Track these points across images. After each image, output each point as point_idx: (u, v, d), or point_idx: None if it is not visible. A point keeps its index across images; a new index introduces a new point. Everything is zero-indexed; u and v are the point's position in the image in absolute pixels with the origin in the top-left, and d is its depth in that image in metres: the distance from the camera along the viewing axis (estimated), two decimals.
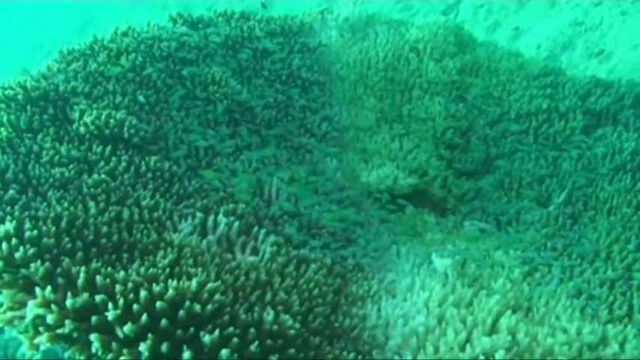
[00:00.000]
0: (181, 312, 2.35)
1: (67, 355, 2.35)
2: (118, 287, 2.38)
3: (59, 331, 2.30)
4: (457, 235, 4.09)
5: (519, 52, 5.99)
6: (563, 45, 7.35)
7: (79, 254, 2.59)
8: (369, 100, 5.05)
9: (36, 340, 2.32)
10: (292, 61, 5.03)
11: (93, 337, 2.25)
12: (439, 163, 4.64)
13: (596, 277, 3.54)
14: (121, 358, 2.25)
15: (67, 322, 2.28)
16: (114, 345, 2.27)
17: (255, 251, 3.22)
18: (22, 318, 2.39)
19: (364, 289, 3.07)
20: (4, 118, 3.55)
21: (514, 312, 3.10)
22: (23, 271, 2.43)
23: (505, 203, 4.47)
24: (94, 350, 2.27)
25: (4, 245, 2.45)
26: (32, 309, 2.32)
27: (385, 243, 3.82)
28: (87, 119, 3.52)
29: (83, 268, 2.47)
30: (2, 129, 3.44)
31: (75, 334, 2.29)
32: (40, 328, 2.34)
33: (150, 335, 2.27)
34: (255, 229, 3.30)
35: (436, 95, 5.13)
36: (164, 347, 2.27)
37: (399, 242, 3.86)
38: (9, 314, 2.39)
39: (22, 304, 2.43)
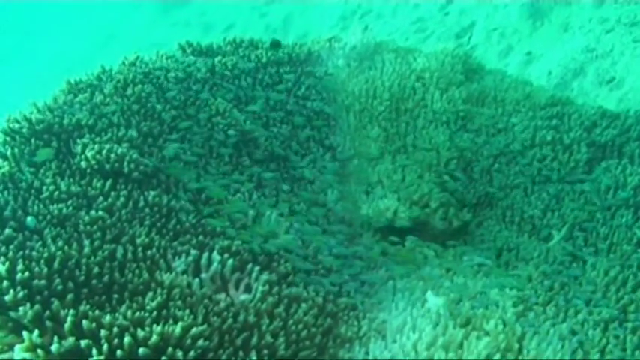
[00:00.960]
0: (163, 358, 2.39)
1: None
2: (103, 332, 2.42)
3: None
4: (456, 269, 4.09)
5: (528, 80, 5.98)
6: (574, 71, 7.33)
7: (70, 296, 2.65)
8: (374, 130, 5.08)
9: None
10: (298, 91, 5.08)
11: None
12: (441, 195, 4.63)
13: (590, 319, 3.52)
14: None
15: None
16: None
17: (248, 288, 3.26)
18: None
19: (353, 330, 3.10)
20: (8, 152, 3.63)
21: (504, 354, 3.10)
22: (12, 314, 2.49)
23: (506, 237, 4.46)
24: None
25: None
26: (19, 352, 2.37)
27: (382, 278, 3.84)
28: (88, 154, 3.59)
29: (71, 312, 2.52)
30: (6, 163, 3.52)
31: None
32: None
33: None
34: (250, 265, 3.34)
35: (441, 125, 5.15)
36: None
37: (396, 277, 3.87)
38: None
39: (11, 347, 2.49)
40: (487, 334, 3.24)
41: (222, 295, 3.08)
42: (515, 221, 4.58)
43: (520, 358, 3.15)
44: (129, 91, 4.30)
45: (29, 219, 3.12)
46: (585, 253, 4.17)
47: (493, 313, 3.44)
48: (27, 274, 2.63)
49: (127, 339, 2.40)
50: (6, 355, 2.47)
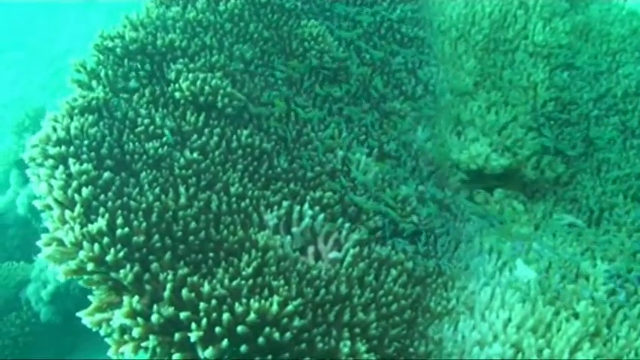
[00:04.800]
0: (261, 339, 2.40)
1: None
2: (202, 305, 2.43)
3: (143, 344, 2.39)
4: (545, 228, 3.98)
5: (636, 11, 5.50)
6: None
7: (168, 255, 2.64)
8: (469, 62, 4.82)
9: (121, 349, 2.42)
10: (392, 14, 4.79)
11: (175, 357, 2.34)
12: (535, 142, 4.44)
13: None
14: None
15: (151, 337, 2.36)
16: None
17: (337, 244, 3.23)
18: (109, 320, 2.48)
19: (442, 304, 3.05)
20: (102, 73, 3.55)
21: (592, 340, 3.05)
22: (113, 274, 2.50)
23: (599, 194, 4.28)
24: None
25: (96, 246, 2.51)
26: (119, 317, 2.40)
27: (469, 234, 3.76)
28: (183, 84, 3.49)
29: (170, 277, 2.52)
30: (100, 88, 3.45)
31: (158, 349, 2.38)
32: (126, 337, 2.43)
33: None
34: (340, 220, 3.29)
35: (541, 61, 4.84)
36: None
37: (484, 233, 3.79)
38: (97, 316, 2.48)
39: (110, 305, 2.52)
40: (576, 315, 3.17)
41: (312, 259, 3.05)
42: (611, 178, 4.37)
43: (608, 345, 3.09)
44: (221, 6, 4.10)
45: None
46: None
47: (584, 291, 3.35)
48: (126, 229, 2.62)
49: (225, 316, 2.40)
50: (105, 314, 2.50)
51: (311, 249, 3.18)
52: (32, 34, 17.23)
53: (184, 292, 2.48)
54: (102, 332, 2.52)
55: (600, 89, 4.82)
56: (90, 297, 2.56)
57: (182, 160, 3.16)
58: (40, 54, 16.11)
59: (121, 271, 2.49)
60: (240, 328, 2.40)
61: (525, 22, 5.02)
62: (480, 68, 4.82)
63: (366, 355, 2.53)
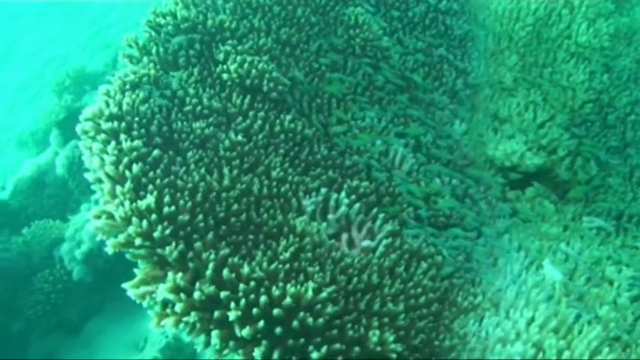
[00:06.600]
0: (295, 322, 2.52)
1: (188, 337, 2.59)
2: (241, 286, 2.55)
3: (185, 318, 2.52)
4: (574, 230, 4.04)
5: None
6: None
7: (210, 235, 2.76)
8: (511, 57, 4.85)
9: (163, 322, 2.55)
10: (439, 4, 4.82)
11: (214, 333, 2.47)
12: (570, 142, 4.47)
13: None
14: (236, 356, 2.47)
15: (192, 313, 2.50)
16: (231, 343, 2.48)
17: (370, 233, 3.33)
18: (152, 293, 2.62)
19: (469, 300, 3.15)
20: (153, 50, 3.66)
21: (612, 345, 3.13)
22: (159, 250, 2.63)
23: (630, 200, 4.33)
24: (212, 342, 2.50)
25: (144, 222, 2.64)
26: (162, 292, 2.53)
27: (499, 230, 3.84)
28: (230, 66, 3.59)
29: (212, 257, 2.65)
30: (151, 65, 3.56)
31: (198, 325, 2.52)
32: (168, 310, 2.57)
33: (264, 342, 2.47)
34: (375, 211, 3.39)
35: (582, 62, 4.85)
36: (275, 355, 2.47)
37: (513, 230, 3.87)
38: (142, 289, 2.62)
39: (154, 279, 2.66)
40: (598, 319, 3.25)
41: (346, 247, 3.16)
42: None
43: (627, 351, 3.17)
44: None
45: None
46: None
47: (607, 295, 3.43)
48: (173, 208, 2.75)
49: (262, 298, 2.52)
50: (150, 287, 2.64)
51: (344, 236, 3.29)
52: None
53: (225, 272, 2.60)
54: (144, 304, 2.65)
55: (639, 94, 4.83)
56: (135, 270, 2.70)
57: (227, 142, 3.28)
58: (81, 13, 16.27)
59: (167, 248, 2.62)
60: (276, 311, 2.53)
61: (570, 21, 5.03)
62: (522, 65, 4.85)
63: (393, 345, 2.65)
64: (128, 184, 2.78)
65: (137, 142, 2.98)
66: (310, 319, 2.55)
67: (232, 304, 2.51)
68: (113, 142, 2.96)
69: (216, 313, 2.51)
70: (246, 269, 2.65)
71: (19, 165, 9.34)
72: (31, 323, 7.31)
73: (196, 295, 2.52)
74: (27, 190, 8.41)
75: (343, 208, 3.27)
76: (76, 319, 7.34)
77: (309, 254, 2.89)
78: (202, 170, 3.07)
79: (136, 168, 2.84)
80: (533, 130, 4.50)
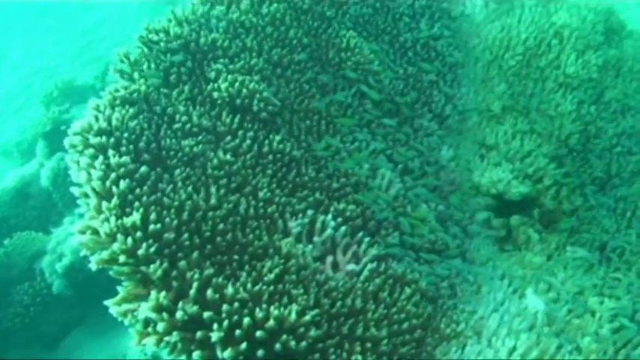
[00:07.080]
0: (277, 345, 2.50)
1: (169, 357, 2.57)
2: (225, 307, 2.53)
3: (166, 338, 2.50)
4: (557, 260, 4.06)
5: None
6: None
7: (195, 254, 2.75)
8: (500, 86, 4.89)
9: (144, 340, 2.53)
10: (430, 30, 4.86)
11: (195, 354, 2.46)
12: (556, 172, 4.50)
13: None
14: None
15: (174, 332, 2.48)
16: None
17: (355, 256, 3.33)
18: (134, 311, 2.60)
19: (451, 327, 3.15)
20: (145, 66, 3.66)
21: None
22: (143, 268, 2.61)
23: (614, 231, 4.35)
24: None
25: (129, 239, 2.63)
26: (145, 310, 2.51)
27: (483, 257, 3.85)
28: (222, 85, 3.60)
29: (196, 276, 2.64)
30: (142, 81, 3.55)
31: (179, 345, 2.49)
32: (149, 329, 2.54)
33: None
34: (360, 234, 3.39)
35: (570, 92, 4.90)
36: None
37: (497, 258, 3.88)
38: (124, 306, 2.60)
39: (137, 297, 2.64)
40: (579, 350, 3.26)
41: (330, 270, 3.15)
42: (627, 216, 4.43)
43: None
44: (264, 9, 4.19)
45: None
46: None
47: (589, 326, 3.44)
48: (159, 225, 2.73)
49: (246, 319, 2.50)
50: (132, 305, 2.61)
51: (329, 258, 3.28)
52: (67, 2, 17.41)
53: (209, 292, 2.59)
54: (126, 322, 2.63)
55: (626, 126, 4.88)
56: (118, 287, 2.68)
57: (215, 161, 3.27)
58: (73, 24, 16.29)
59: (151, 266, 2.60)
60: (259, 333, 2.51)
61: (559, 52, 5.08)
62: (510, 93, 4.89)
63: None
64: (114, 200, 2.77)
65: (125, 158, 2.97)
66: (293, 343, 2.54)
67: (215, 325, 2.49)
68: (101, 157, 2.95)
69: (199, 334, 2.49)
70: (230, 290, 2.63)
71: (2, 175, 9.27)
72: (9, 336, 7.22)
73: (179, 314, 2.50)
74: (10, 201, 8.35)
75: (329, 231, 3.27)
76: (54, 332, 7.25)
77: (294, 276, 2.88)
78: (189, 188, 3.06)
79: (123, 184, 2.83)
80: (519, 159, 4.52)
